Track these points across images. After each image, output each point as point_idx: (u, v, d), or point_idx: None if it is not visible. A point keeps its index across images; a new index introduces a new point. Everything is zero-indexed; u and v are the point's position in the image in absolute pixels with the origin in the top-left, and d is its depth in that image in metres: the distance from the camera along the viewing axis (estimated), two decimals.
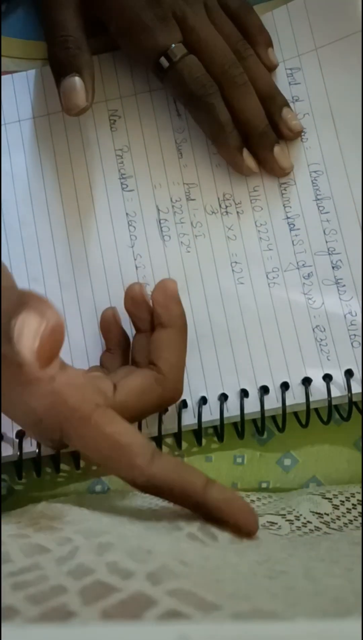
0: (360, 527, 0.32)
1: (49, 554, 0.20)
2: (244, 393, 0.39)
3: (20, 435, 0.39)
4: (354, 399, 0.37)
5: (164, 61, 0.39)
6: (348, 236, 0.39)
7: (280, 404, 0.38)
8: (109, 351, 0.39)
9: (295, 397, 0.38)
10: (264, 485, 0.40)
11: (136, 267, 0.41)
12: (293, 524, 0.32)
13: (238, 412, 0.38)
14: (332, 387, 0.38)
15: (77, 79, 0.38)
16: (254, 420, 0.39)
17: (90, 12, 0.40)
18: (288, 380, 0.38)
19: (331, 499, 0.35)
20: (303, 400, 0.38)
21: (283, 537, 0.31)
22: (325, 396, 0.38)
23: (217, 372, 0.39)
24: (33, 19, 0.44)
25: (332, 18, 0.40)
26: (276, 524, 0.32)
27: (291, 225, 0.40)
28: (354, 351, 0.38)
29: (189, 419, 0.39)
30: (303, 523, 0.32)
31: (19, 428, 0.39)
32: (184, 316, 0.36)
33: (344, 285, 0.39)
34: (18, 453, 0.38)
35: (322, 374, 0.38)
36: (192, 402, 0.39)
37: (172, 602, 0.17)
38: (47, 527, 0.23)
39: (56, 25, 0.39)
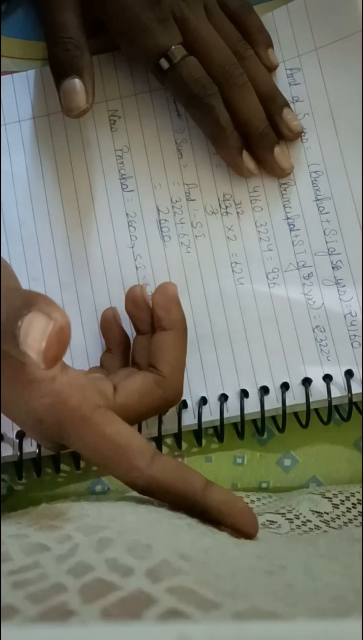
0: (360, 526, 0.32)
1: (49, 552, 0.20)
2: (244, 393, 0.39)
3: (21, 435, 0.39)
4: (354, 399, 0.37)
5: (164, 62, 0.39)
6: (348, 236, 0.39)
7: (280, 404, 0.38)
8: (109, 351, 0.39)
9: (295, 397, 0.38)
10: (264, 485, 0.40)
11: (136, 268, 0.41)
12: (292, 522, 0.32)
13: (238, 413, 0.38)
14: (332, 387, 0.38)
15: (77, 81, 0.38)
16: (254, 421, 0.39)
17: (90, 13, 0.40)
18: (288, 381, 0.38)
19: (331, 498, 0.35)
20: (303, 400, 0.38)
21: (282, 535, 0.31)
22: (325, 396, 0.38)
23: (217, 373, 0.39)
24: (33, 19, 0.44)
25: (332, 18, 0.40)
26: (275, 522, 0.32)
27: (292, 226, 0.40)
28: (354, 351, 0.38)
29: (189, 419, 0.39)
30: (302, 522, 0.32)
31: (19, 428, 0.39)
32: (185, 319, 0.36)
33: (344, 286, 0.39)
34: (18, 453, 0.38)
35: (322, 374, 0.38)
36: (192, 403, 0.39)
37: (172, 600, 0.17)
38: (47, 527, 0.23)
39: (56, 26, 0.39)
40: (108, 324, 0.39)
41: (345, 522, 0.33)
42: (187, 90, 0.39)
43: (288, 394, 0.38)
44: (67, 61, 0.39)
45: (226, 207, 0.41)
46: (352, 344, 0.38)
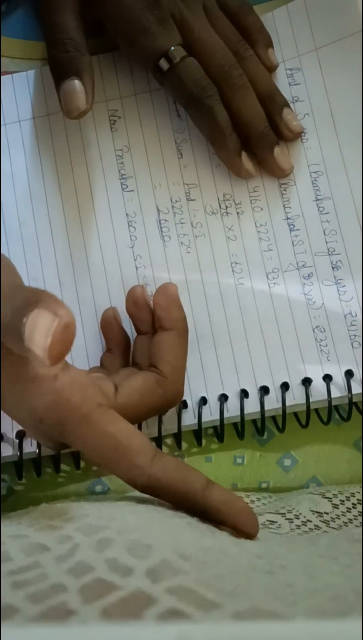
0: (360, 526, 0.32)
1: (49, 552, 0.20)
2: (244, 393, 0.39)
3: (21, 435, 0.39)
4: (354, 400, 0.37)
5: (163, 63, 0.39)
6: (348, 236, 0.39)
7: (280, 405, 0.38)
8: (109, 351, 0.39)
9: (295, 397, 0.38)
10: (264, 485, 0.40)
11: (136, 268, 0.41)
12: (292, 522, 0.32)
13: (238, 413, 0.38)
14: (332, 387, 0.38)
15: (77, 82, 0.38)
16: (254, 421, 0.39)
17: (89, 13, 0.40)
18: (288, 381, 0.38)
19: (331, 498, 0.35)
20: (303, 400, 0.38)
21: (282, 535, 0.31)
22: (325, 396, 0.38)
23: (217, 373, 0.39)
24: (33, 19, 0.44)
25: (331, 18, 0.40)
26: (275, 522, 0.32)
27: (292, 226, 0.40)
28: (354, 351, 0.38)
29: (189, 419, 0.39)
30: (302, 522, 0.32)
31: (20, 428, 0.39)
32: (185, 319, 0.36)
33: (344, 286, 0.39)
34: (18, 453, 0.38)
35: (322, 375, 0.38)
36: (192, 403, 0.39)
37: (172, 600, 0.17)
38: (47, 527, 0.23)
39: (55, 27, 0.39)
40: (108, 324, 0.39)
41: (345, 522, 0.33)
42: (186, 91, 0.39)
43: (288, 394, 0.38)
44: (66, 62, 0.39)
45: (226, 207, 0.41)
46: (352, 344, 0.38)
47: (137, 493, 0.30)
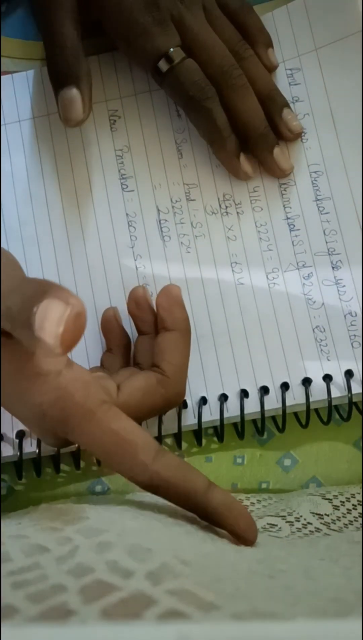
0: (361, 528, 0.32)
1: (49, 553, 0.20)
2: (244, 393, 0.39)
3: (20, 435, 0.39)
4: (354, 400, 0.37)
5: (163, 65, 0.39)
6: (348, 236, 0.39)
7: (280, 405, 0.38)
8: (110, 351, 0.39)
9: (295, 397, 0.38)
10: (264, 485, 0.40)
11: (136, 268, 0.41)
12: (293, 525, 0.32)
13: (238, 413, 0.38)
14: (332, 387, 0.38)
15: (74, 91, 0.39)
16: (254, 421, 0.39)
17: (88, 14, 0.39)
18: (288, 381, 0.38)
19: (331, 499, 0.35)
20: (303, 400, 0.38)
21: (283, 539, 0.31)
22: (325, 396, 0.38)
23: (217, 373, 0.39)
24: (33, 19, 0.44)
25: (331, 18, 0.40)
26: (276, 525, 0.32)
27: (291, 226, 0.40)
28: (354, 351, 0.38)
29: (189, 419, 0.39)
30: (303, 524, 0.32)
31: (19, 428, 0.39)
32: (188, 320, 0.36)
33: (344, 286, 0.39)
34: (18, 453, 0.38)
35: (322, 375, 0.38)
36: (192, 403, 0.39)
37: (172, 601, 0.17)
38: (47, 528, 0.23)
39: (53, 34, 0.39)
40: (109, 324, 0.39)
41: (346, 524, 0.33)
42: (185, 93, 0.39)
43: (288, 394, 0.38)
44: (64, 71, 0.39)
45: (226, 207, 0.41)
46: (352, 344, 0.38)
47: (137, 498, 0.30)
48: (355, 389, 0.37)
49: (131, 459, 0.29)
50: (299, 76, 0.41)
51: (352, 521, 0.33)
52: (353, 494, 0.36)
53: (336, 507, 0.34)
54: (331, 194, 0.40)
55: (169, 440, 0.40)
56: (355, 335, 0.38)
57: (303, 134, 0.41)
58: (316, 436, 0.40)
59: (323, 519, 0.33)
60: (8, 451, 0.39)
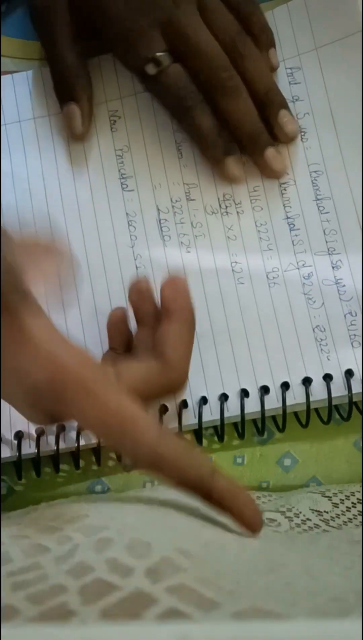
0: (360, 526, 0.32)
1: (49, 553, 0.20)
2: (244, 393, 0.39)
3: (19, 436, 0.39)
4: (354, 399, 0.37)
5: (151, 69, 0.38)
6: (348, 236, 0.39)
7: (280, 404, 0.38)
8: (112, 350, 0.39)
9: (295, 397, 0.38)
10: (264, 485, 0.40)
11: (136, 267, 0.41)
12: (292, 521, 0.32)
13: (238, 412, 0.38)
14: (332, 387, 0.38)
15: (74, 107, 0.41)
16: (254, 420, 0.39)
17: (83, 20, 0.40)
18: (288, 380, 0.38)
19: (331, 497, 0.35)
20: (304, 400, 0.38)
21: (282, 533, 0.31)
22: (325, 396, 0.38)
23: (217, 372, 0.39)
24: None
25: (332, 18, 0.40)
26: (275, 520, 0.32)
27: (291, 225, 0.40)
28: (354, 351, 0.38)
29: (189, 419, 0.39)
30: (302, 520, 0.32)
31: (18, 429, 0.39)
32: (194, 312, 0.35)
33: (344, 285, 0.39)
34: (17, 454, 0.38)
35: (322, 374, 0.38)
36: (192, 402, 0.39)
37: (172, 600, 0.17)
38: (46, 528, 0.23)
39: (52, 53, 0.40)
40: (117, 324, 0.38)
41: (345, 522, 0.33)
42: (169, 100, 0.39)
43: (288, 393, 0.38)
44: (64, 88, 0.41)
45: (226, 206, 0.41)
46: (352, 343, 0.38)
47: (137, 494, 0.30)
48: (355, 388, 0.37)
49: (132, 439, 0.27)
50: (299, 75, 0.41)
51: (351, 519, 0.33)
52: (353, 492, 0.36)
53: (335, 505, 0.34)
54: (331, 194, 0.40)
55: None
56: (355, 335, 0.38)
57: (303, 133, 0.41)
58: (316, 436, 0.40)
59: (322, 515, 0.33)
60: (7, 452, 0.39)
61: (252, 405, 0.38)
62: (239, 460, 0.40)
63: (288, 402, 0.38)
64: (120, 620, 0.16)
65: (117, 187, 0.42)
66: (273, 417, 0.39)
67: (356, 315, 0.39)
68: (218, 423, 0.39)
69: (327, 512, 0.33)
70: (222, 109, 0.39)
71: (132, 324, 0.39)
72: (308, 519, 0.33)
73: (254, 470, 0.40)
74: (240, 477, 0.40)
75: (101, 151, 0.42)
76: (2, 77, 0.43)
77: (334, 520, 0.33)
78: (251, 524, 0.28)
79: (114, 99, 0.43)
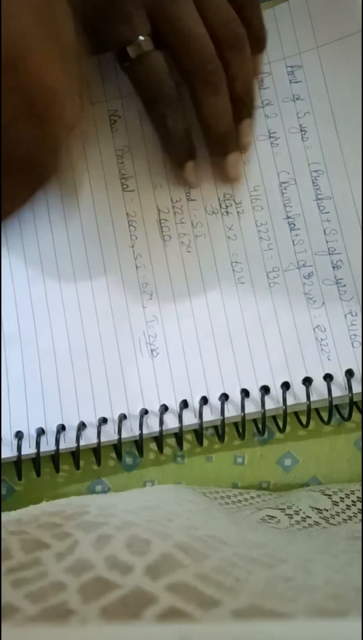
0: (360, 524, 0.32)
1: (49, 550, 0.20)
2: (245, 393, 0.38)
3: (19, 436, 0.39)
4: (355, 399, 0.37)
5: (132, 51, 0.36)
6: (349, 236, 0.39)
7: (280, 404, 0.38)
8: None
9: (296, 397, 0.38)
10: (265, 485, 0.40)
11: (136, 267, 0.41)
12: (292, 518, 0.32)
13: (239, 412, 0.38)
14: (333, 387, 0.38)
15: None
16: (254, 420, 0.39)
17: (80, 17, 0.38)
18: (288, 380, 0.38)
19: (330, 495, 0.35)
20: (304, 400, 0.38)
21: (282, 530, 0.31)
22: (326, 396, 0.38)
23: (218, 372, 0.39)
24: None
25: (333, 17, 0.40)
26: (275, 517, 0.32)
27: (292, 225, 0.40)
28: (354, 351, 0.38)
29: (190, 419, 0.39)
30: (302, 518, 0.32)
31: (18, 429, 0.39)
32: None
33: (344, 285, 0.39)
34: (17, 454, 0.38)
35: (323, 374, 0.38)
36: (193, 402, 0.39)
37: (172, 598, 0.17)
38: (47, 524, 0.23)
39: None
40: None
41: (345, 519, 0.33)
42: (142, 91, 0.37)
43: (288, 393, 0.38)
44: None
45: (227, 206, 0.41)
46: (352, 343, 0.38)
47: (137, 492, 0.30)
48: (356, 388, 0.37)
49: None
50: (300, 74, 0.41)
51: (350, 517, 0.33)
52: (353, 491, 0.36)
53: (335, 503, 0.34)
54: (331, 193, 0.40)
55: (170, 440, 0.40)
56: (355, 335, 0.38)
57: (303, 132, 0.41)
58: (316, 436, 0.40)
59: (322, 513, 0.33)
60: (7, 452, 0.39)
61: (253, 405, 0.38)
62: (239, 460, 0.40)
63: (288, 402, 0.38)
64: (120, 620, 0.16)
65: (117, 187, 0.42)
66: (274, 417, 0.39)
67: (356, 315, 0.39)
68: (219, 423, 0.39)
69: (327, 510, 0.33)
70: (198, 102, 0.37)
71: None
72: (308, 517, 0.33)
73: (254, 470, 0.40)
74: (240, 477, 0.40)
75: (101, 151, 0.42)
76: None
77: (334, 518, 0.33)
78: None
79: (114, 99, 0.43)
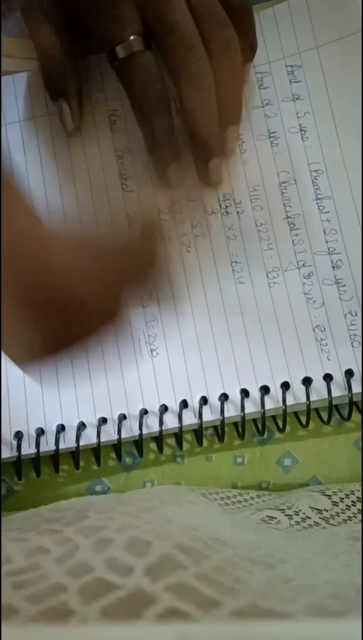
0: (360, 524, 0.32)
1: (49, 554, 0.20)
2: (244, 393, 0.38)
3: (19, 436, 0.39)
4: (354, 399, 0.37)
5: (121, 51, 0.36)
6: (349, 236, 0.39)
7: (280, 404, 0.38)
8: None
9: (296, 397, 0.38)
10: (264, 485, 0.40)
11: None
12: (292, 518, 0.32)
13: (239, 412, 0.38)
14: (332, 387, 0.38)
15: (63, 104, 0.40)
16: (254, 420, 0.39)
17: (72, 15, 0.38)
18: (288, 380, 0.38)
19: (330, 495, 0.35)
20: (304, 400, 0.38)
21: (281, 530, 0.31)
22: (326, 396, 0.38)
23: (218, 372, 0.39)
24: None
25: (333, 17, 0.40)
26: (275, 518, 0.32)
27: (292, 225, 0.40)
28: (354, 351, 0.38)
29: (190, 418, 0.39)
30: (302, 518, 0.32)
31: (17, 429, 0.39)
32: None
33: (344, 285, 0.39)
34: (17, 454, 0.38)
35: (323, 374, 0.38)
36: (193, 402, 0.39)
37: (171, 599, 0.17)
38: (46, 531, 0.23)
39: (39, 52, 0.40)
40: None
41: (345, 520, 0.33)
42: (130, 92, 0.37)
43: (288, 393, 0.38)
44: (51, 85, 0.40)
45: (226, 206, 0.41)
46: (352, 343, 0.38)
47: (137, 493, 0.30)
48: (356, 388, 0.37)
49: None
50: (299, 73, 0.41)
51: (350, 517, 0.33)
52: (353, 491, 0.36)
53: (335, 503, 0.34)
54: (331, 193, 0.40)
55: (170, 440, 0.40)
56: (355, 335, 0.38)
57: (303, 132, 0.41)
58: (316, 436, 0.40)
59: (322, 514, 0.33)
60: (6, 453, 0.39)
61: (252, 405, 0.38)
62: (239, 460, 0.40)
63: (288, 402, 0.38)
64: (120, 620, 0.16)
65: (117, 188, 0.42)
66: (274, 417, 0.39)
67: (356, 315, 0.39)
68: (219, 423, 0.39)
69: (327, 510, 0.33)
70: (185, 104, 0.36)
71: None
72: (307, 517, 0.33)
73: (254, 470, 0.40)
74: (240, 477, 0.40)
75: (101, 151, 0.42)
76: (2, 77, 0.43)
77: (334, 519, 0.33)
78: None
79: (113, 99, 0.43)
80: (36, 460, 0.38)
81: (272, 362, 0.39)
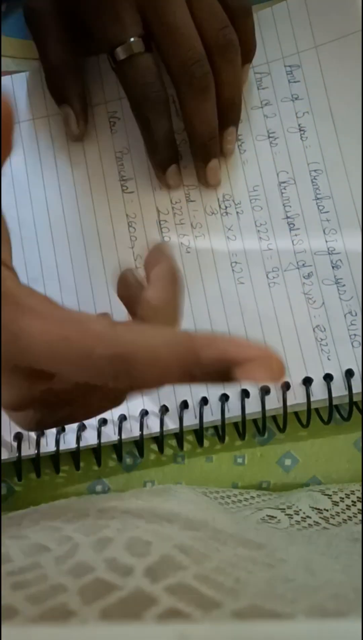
0: (360, 524, 0.32)
1: (49, 553, 0.20)
2: (245, 393, 0.38)
3: (19, 437, 0.39)
4: (354, 399, 0.37)
5: (121, 53, 0.36)
6: (348, 236, 0.39)
7: (280, 404, 0.38)
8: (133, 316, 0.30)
9: (296, 397, 0.38)
10: (265, 485, 0.40)
11: (136, 268, 0.41)
12: (292, 518, 0.32)
13: (239, 413, 0.38)
14: (333, 387, 0.38)
15: (67, 110, 0.41)
16: (255, 421, 0.39)
17: (76, 18, 0.38)
18: (288, 380, 0.38)
19: (330, 495, 0.35)
20: (304, 400, 0.38)
21: (282, 530, 0.31)
22: (326, 396, 0.38)
23: None
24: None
25: (331, 16, 0.40)
26: (275, 517, 0.32)
27: (291, 225, 0.40)
28: (354, 351, 0.38)
29: (190, 419, 0.39)
30: (302, 517, 0.32)
31: (17, 430, 0.39)
32: (176, 272, 0.29)
33: (344, 285, 0.39)
34: (17, 454, 0.38)
35: (323, 374, 0.38)
36: (193, 403, 0.39)
37: (172, 600, 0.17)
38: (46, 528, 0.23)
39: (43, 58, 0.40)
40: (128, 288, 0.29)
41: (345, 519, 0.33)
42: (130, 93, 0.37)
43: (288, 393, 0.38)
44: (55, 91, 0.41)
45: (226, 207, 0.41)
46: (352, 343, 0.38)
47: (137, 493, 0.30)
48: (356, 388, 0.37)
49: (79, 330, 0.21)
50: (298, 73, 0.41)
51: (350, 517, 0.33)
52: (353, 491, 0.36)
53: (335, 503, 0.34)
54: (331, 193, 0.40)
55: (170, 441, 0.40)
56: (355, 335, 0.38)
57: (303, 132, 0.41)
58: (316, 436, 0.40)
59: (322, 513, 0.33)
60: (6, 455, 0.39)
61: (253, 406, 0.38)
62: (239, 460, 0.40)
63: (288, 402, 0.38)
64: (120, 621, 0.16)
65: (117, 189, 0.42)
66: (274, 417, 0.39)
67: (356, 315, 0.39)
68: (219, 423, 0.39)
69: (327, 510, 0.33)
70: (184, 105, 0.37)
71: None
72: (308, 517, 0.33)
73: (254, 470, 0.40)
74: (240, 477, 0.40)
75: (101, 153, 0.42)
76: (2, 77, 0.43)
77: (334, 518, 0.33)
78: (267, 373, 0.20)
79: (113, 100, 0.43)
80: (36, 461, 0.38)
81: None
